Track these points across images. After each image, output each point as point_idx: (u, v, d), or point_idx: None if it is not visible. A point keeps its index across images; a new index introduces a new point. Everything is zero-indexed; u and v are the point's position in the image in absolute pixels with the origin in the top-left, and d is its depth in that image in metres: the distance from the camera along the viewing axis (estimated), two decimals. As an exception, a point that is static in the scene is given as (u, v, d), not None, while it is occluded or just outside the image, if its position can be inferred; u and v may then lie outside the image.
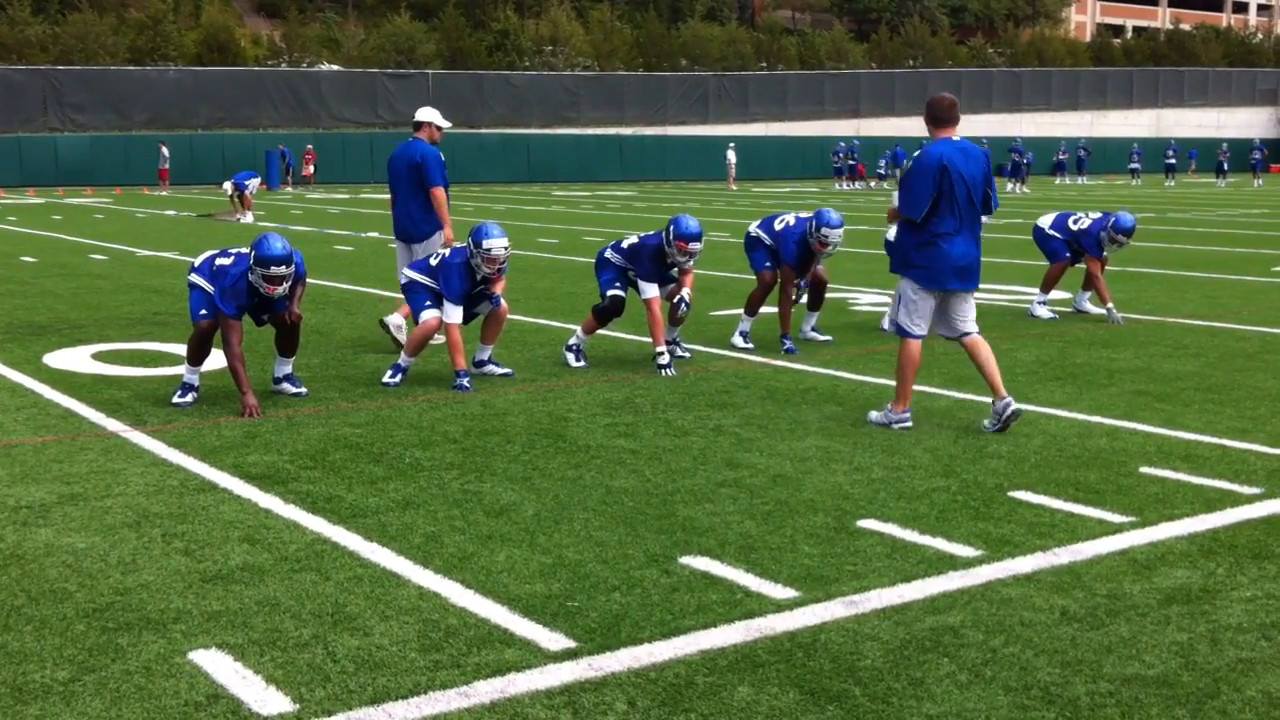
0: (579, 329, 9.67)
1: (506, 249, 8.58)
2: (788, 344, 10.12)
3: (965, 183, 7.24)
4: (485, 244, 8.49)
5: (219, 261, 7.94)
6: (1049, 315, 12.14)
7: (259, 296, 7.88)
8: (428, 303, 8.75)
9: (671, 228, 9.18)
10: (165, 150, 46.72)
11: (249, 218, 28.39)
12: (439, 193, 10.17)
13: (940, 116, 7.36)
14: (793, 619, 4.40)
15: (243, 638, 4.22)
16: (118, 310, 12.82)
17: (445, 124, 10.60)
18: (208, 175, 48.83)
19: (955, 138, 7.37)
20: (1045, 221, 12.61)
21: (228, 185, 30.00)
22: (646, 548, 5.17)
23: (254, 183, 29.27)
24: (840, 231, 9.91)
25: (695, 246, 9.15)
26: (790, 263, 10.06)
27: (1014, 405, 7.31)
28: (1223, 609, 4.51)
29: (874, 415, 7.55)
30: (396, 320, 10.12)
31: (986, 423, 7.39)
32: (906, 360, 7.38)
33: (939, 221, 7.25)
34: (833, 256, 10.27)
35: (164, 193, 43.95)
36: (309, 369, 9.26)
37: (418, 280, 8.84)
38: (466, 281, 8.63)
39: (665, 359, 9.19)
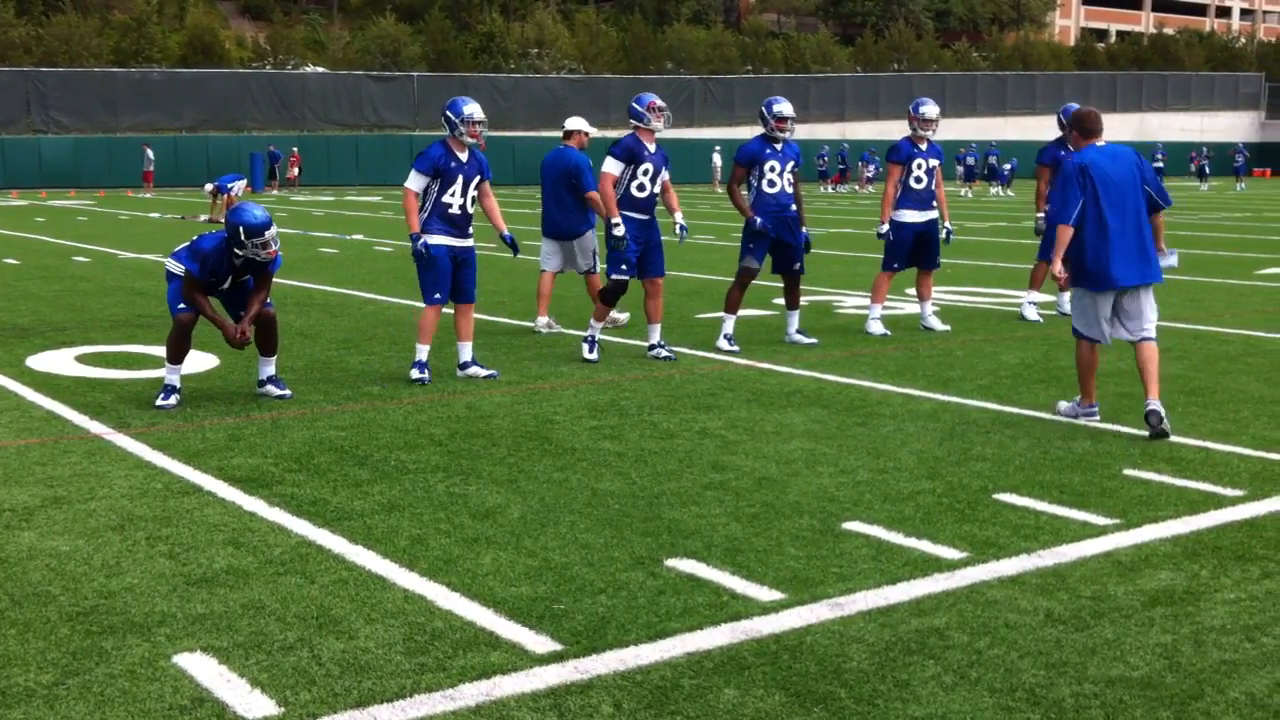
0: (593, 319, 9.82)
1: (481, 114, 8.96)
2: (759, 222, 10.33)
3: (1112, 184, 7.41)
4: (466, 110, 8.81)
5: (200, 235, 8.06)
6: (1035, 317, 12.18)
7: (233, 269, 7.92)
8: (437, 295, 8.87)
9: (635, 104, 9.84)
10: (150, 152, 46.57)
11: None
12: (594, 196, 10.95)
13: (1088, 128, 7.64)
14: (778, 621, 4.40)
15: (227, 641, 4.21)
16: (101, 312, 12.78)
17: (592, 130, 11.90)
18: (192, 177, 48.68)
19: (1100, 144, 7.60)
20: None
21: (209, 186, 29.93)
22: (632, 550, 5.17)
23: (239, 185, 29.18)
24: (789, 105, 10.48)
25: (660, 101, 9.85)
26: (741, 161, 10.48)
27: (1153, 405, 7.32)
28: (1206, 611, 4.53)
29: (1063, 405, 7.83)
30: (544, 321, 11.41)
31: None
32: (1079, 361, 7.64)
33: (1088, 225, 7.42)
34: (793, 133, 10.51)
35: (148, 195, 43.82)
36: (293, 372, 9.24)
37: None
38: (447, 156, 8.79)
39: (621, 231, 9.56)
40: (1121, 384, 8.84)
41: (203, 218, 29.90)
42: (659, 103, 9.82)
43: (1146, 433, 7.27)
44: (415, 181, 8.82)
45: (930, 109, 11.40)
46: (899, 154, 11.39)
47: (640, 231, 9.78)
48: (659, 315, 9.97)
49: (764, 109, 10.48)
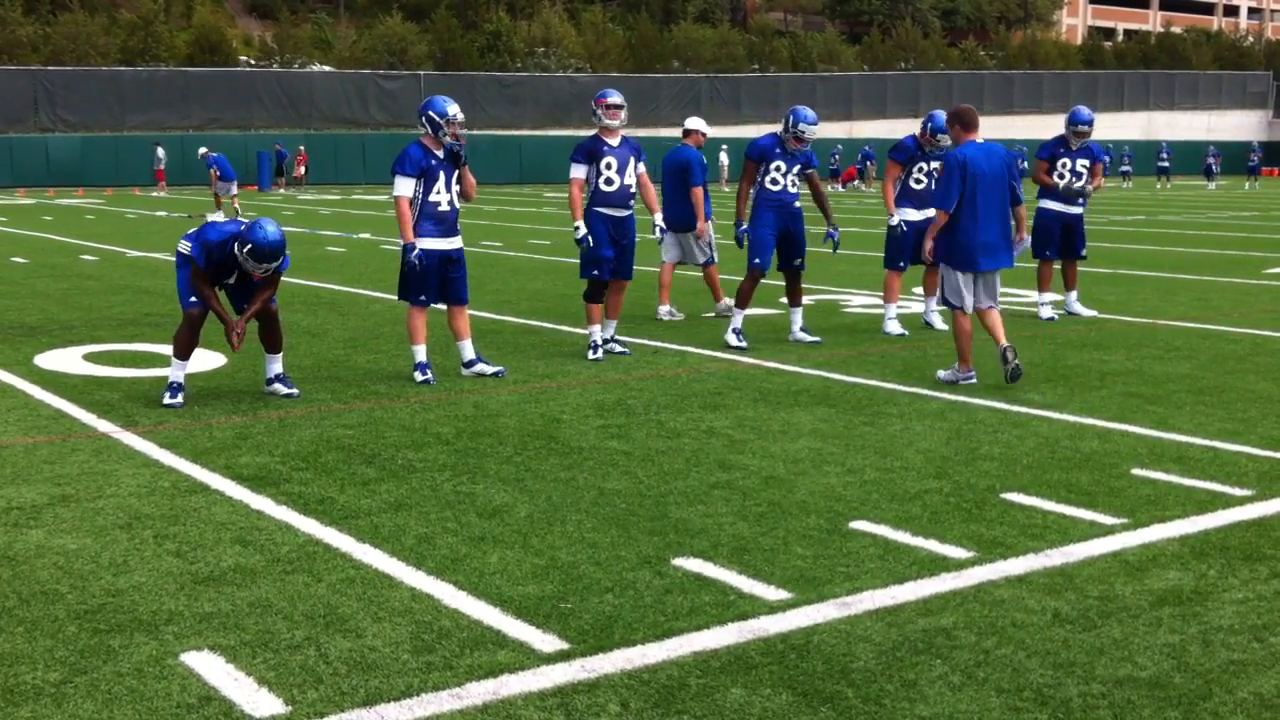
0: (590, 327, 9.86)
1: (462, 114, 8.96)
2: (739, 234, 10.53)
3: (985, 178, 8.58)
4: (450, 110, 8.78)
5: (211, 222, 8.08)
6: (1049, 315, 12.19)
7: (239, 270, 7.93)
8: (422, 297, 8.92)
9: (594, 102, 9.88)
10: (160, 151, 46.46)
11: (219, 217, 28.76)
12: (697, 191, 11.80)
13: (968, 122, 8.75)
14: (785, 620, 4.40)
15: (235, 639, 4.22)
16: (109, 311, 12.80)
17: (709, 130, 12.71)
18: (200, 176, 48.63)
19: (979, 140, 8.73)
20: None
21: (203, 150, 30.58)
22: (639, 549, 5.17)
23: (230, 186, 29.52)
24: (816, 127, 10.46)
25: (613, 100, 9.79)
26: (752, 156, 10.50)
27: (1006, 344, 8.69)
28: (1214, 611, 4.52)
29: (942, 373, 8.94)
30: (724, 304, 12.25)
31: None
32: (960, 330, 8.75)
33: (963, 213, 8.62)
34: (810, 143, 10.48)
35: (159, 194, 43.78)
36: (301, 370, 9.25)
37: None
38: (427, 155, 8.78)
39: (580, 234, 9.72)
40: (1130, 384, 8.83)
41: (210, 215, 30.07)
42: (610, 100, 9.76)
43: (1005, 375, 8.58)
44: (406, 187, 8.75)
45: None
46: (902, 153, 11.37)
47: (615, 228, 9.76)
48: (616, 313, 10.16)
49: (791, 116, 10.41)
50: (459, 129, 8.84)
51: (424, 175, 8.76)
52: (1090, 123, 12.45)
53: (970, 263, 8.64)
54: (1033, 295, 13.44)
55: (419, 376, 8.86)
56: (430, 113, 8.79)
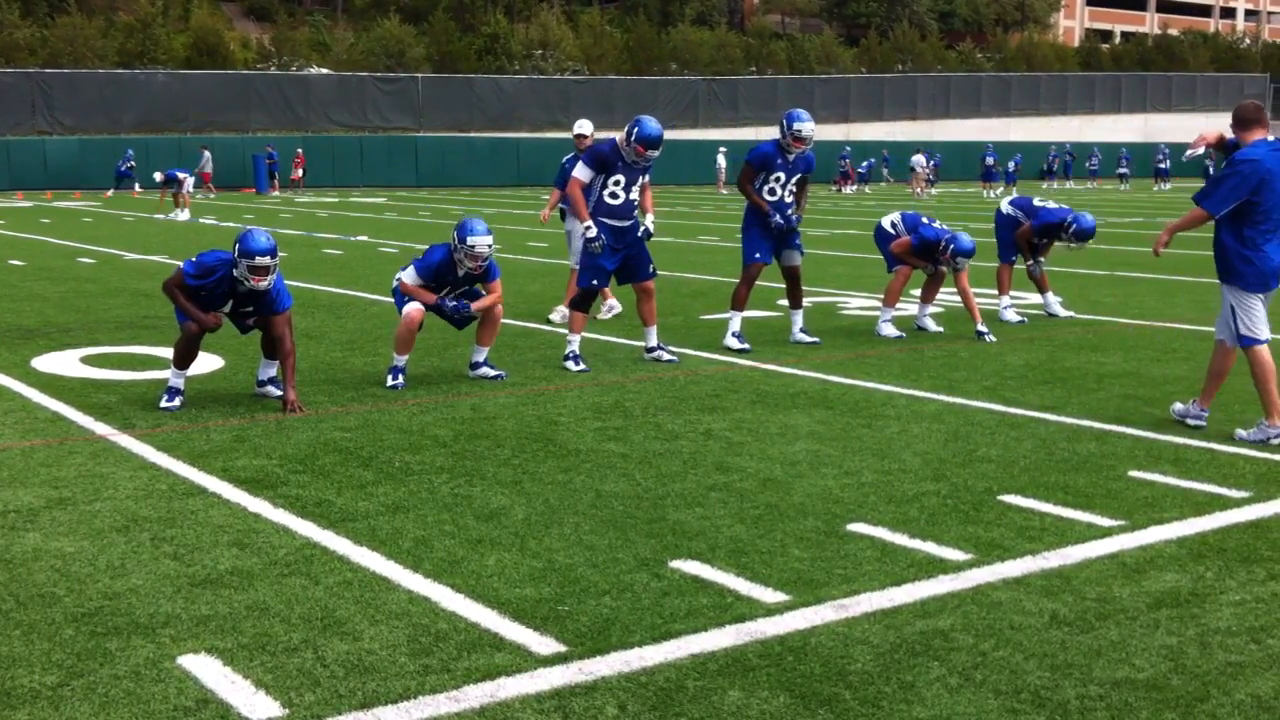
0: (570, 335, 9.71)
1: (490, 246, 8.63)
2: (777, 220, 10.35)
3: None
4: (470, 240, 8.56)
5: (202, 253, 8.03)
6: (1017, 319, 12.19)
7: (234, 294, 7.88)
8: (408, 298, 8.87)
9: (636, 129, 9.43)
10: (207, 154, 45.50)
11: (184, 215, 29.68)
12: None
13: (1250, 119, 7.29)
14: (783, 623, 4.40)
15: (232, 642, 4.21)
16: (106, 314, 12.79)
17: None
18: (224, 179, 48.60)
19: (1270, 138, 7.24)
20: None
21: (158, 175, 30.99)
22: (637, 552, 5.17)
23: (188, 180, 29.90)
24: (812, 124, 10.25)
25: (652, 154, 9.43)
26: (753, 162, 10.41)
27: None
28: (1212, 613, 4.52)
29: (1242, 433, 7.31)
30: (561, 312, 11.92)
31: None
32: (1264, 371, 7.24)
33: (1256, 227, 7.14)
34: (810, 142, 10.35)
35: (212, 196, 43.41)
36: (298, 373, 9.21)
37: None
38: (445, 272, 8.71)
39: (593, 232, 9.44)
40: (1127, 385, 8.83)
41: (159, 216, 30.52)
42: (650, 153, 9.38)
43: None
44: (409, 276, 8.78)
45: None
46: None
47: (618, 238, 9.61)
48: (653, 318, 9.89)
49: (785, 120, 10.28)
50: (481, 262, 8.63)
51: (438, 279, 8.73)
52: None
53: (1265, 283, 7.22)
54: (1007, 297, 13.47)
55: (389, 380, 8.83)
56: (455, 232, 8.62)
